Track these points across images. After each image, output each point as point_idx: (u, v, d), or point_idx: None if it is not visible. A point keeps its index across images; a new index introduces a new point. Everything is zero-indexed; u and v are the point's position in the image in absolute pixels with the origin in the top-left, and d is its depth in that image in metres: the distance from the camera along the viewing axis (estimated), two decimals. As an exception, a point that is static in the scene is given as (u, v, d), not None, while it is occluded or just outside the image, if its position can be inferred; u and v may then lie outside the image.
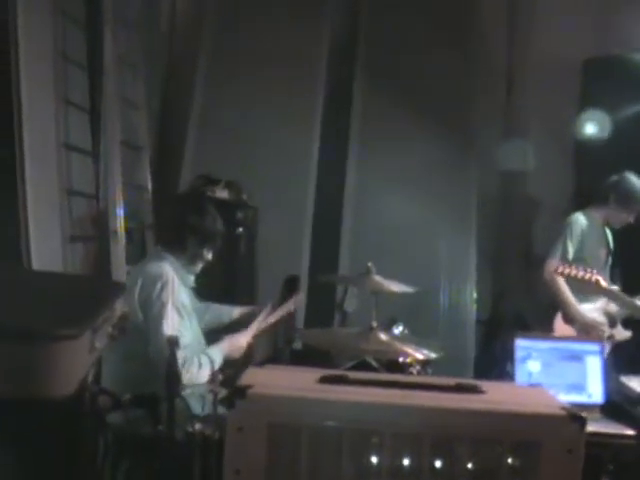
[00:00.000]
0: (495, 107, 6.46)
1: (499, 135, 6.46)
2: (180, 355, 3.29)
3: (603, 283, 3.88)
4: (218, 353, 3.50)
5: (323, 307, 5.52)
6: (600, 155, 6.03)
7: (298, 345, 4.25)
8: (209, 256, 3.61)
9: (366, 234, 5.73)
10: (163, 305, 3.32)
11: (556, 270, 3.95)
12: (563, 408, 1.94)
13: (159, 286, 3.36)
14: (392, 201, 5.61)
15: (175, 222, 3.58)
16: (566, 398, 3.38)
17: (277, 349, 4.23)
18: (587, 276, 3.86)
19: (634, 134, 5.81)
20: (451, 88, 6.01)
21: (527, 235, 6.67)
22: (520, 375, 3.46)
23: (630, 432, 3.16)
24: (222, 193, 5.01)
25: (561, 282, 4.93)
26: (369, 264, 3.52)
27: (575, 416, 1.90)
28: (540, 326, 5.89)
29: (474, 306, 5.87)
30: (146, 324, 3.33)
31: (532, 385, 2.35)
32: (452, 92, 6.01)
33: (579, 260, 4.79)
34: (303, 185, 5.80)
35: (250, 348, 3.69)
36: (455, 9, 6.19)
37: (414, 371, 3.64)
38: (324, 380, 2.08)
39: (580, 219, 5.05)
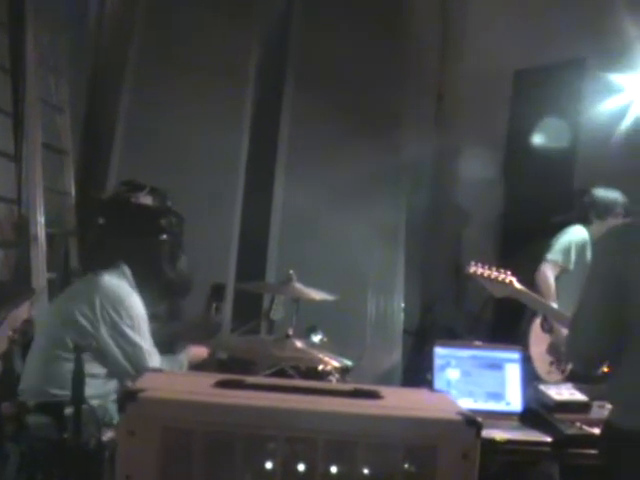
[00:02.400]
0: (426, 118, 6.52)
1: (430, 146, 6.50)
2: (156, 362, 3.29)
3: (517, 285, 3.81)
4: (185, 362, 3.54)
5: (250, 316, 5.49)
6: (530, 165, 6.12)
7: (223, 354, 4.23)
8: None
9: (294, 242, 5.71)
10: (132, 318, 3.31)
11: (468, 270, 3.88)
12: (459, 413, 1.94)
13: (125, 299, 3.33)
14: (321, 210, 5.60)
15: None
16: (485, 406, 3.46)
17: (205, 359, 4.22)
18: (501, 277, 3.77)
19: (562, 142, 5.92)
20: (382, 98, 6.04)
21: (457, 246, 6.73)
22: (439, 383, 3.48)
23: (547, 439, 3.18)
24: (146, 199, 4.94)
25: (553, 288, 5.06)
26: (290, 271, 3.54)
27: (470, 421, 1.90)
28: (469, 336, 5.97)
29: (401, 316, 5.89)
30: (114, 338, 3.28)
31: (433, 391, 2.34)
32: (383, 102, 6.04)
33: (575, 275, 5.04)
34: (231, 192, 5.77)
35: (210, 356, 3.78)
36: (388, 21, 6.22)
37: (333, 379, 3.66)
38: (220, 384, 2.05)
39: (585, 233, 5.25)
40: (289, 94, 6.03)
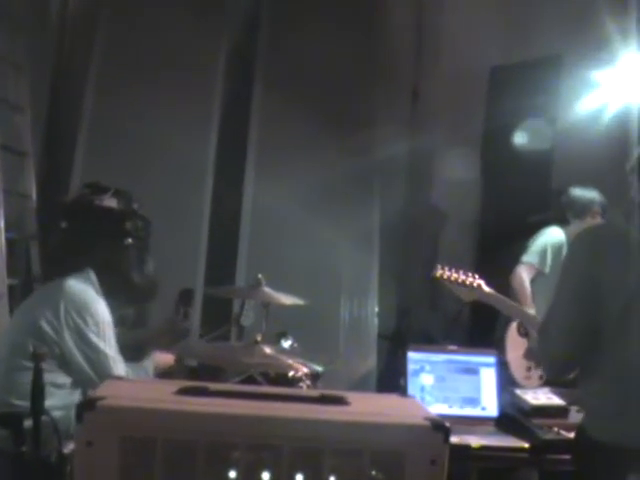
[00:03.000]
0: (400, 117, 6.54)
1: (404, 147, 6.53)
2: (121, 369, 3.28)
3: (486, 288, 3.77)
4: (151, 369, 3.53)
5: (220, 321, 5.49)
6: (507, 165, 6.16)
7: (192, 362, 4.23)
8: None
9: (265, 246, 5.72)
10: (97, 324, 3.28)
11: (435, 274, 3.86)
12: (427, 418, 1.96)
13: (90, 304, 3.31)
14: (292, 212, 5.60)
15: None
16: (460, 412, 3.48)
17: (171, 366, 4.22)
18: (469, 280, 3.74)
19: (539, 141, 5.96)
20: (355, 97, 6.06)
21: (433, 248, 6.76)
22: (412, 389, 3.50)
23: (524, 445, 3.20)
24: (110, 202, 4.93)
25: (528, 290, 5.10)
26: (259, 275, 3.54)
27: (438, 426, 1.92)
28: (446, 340, 6.00)
29: (376, 320, 5.91)
30: (79, 344, 3.27)
31: (402, 396, 2.36)
32: (356, 102, 6.06)
33: (550, 278, 5.07)
34: (199, 194, 5.78)
35: (177, 363, 3.75)
36: (361, 18, 6.24)
37: (304, 385, 3.66)
38: (182, 392, 2.05)
39: (561, 234, 5.31)
40: (258, 95, 6.04)
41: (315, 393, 2.11)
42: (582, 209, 5.25)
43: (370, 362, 5.81)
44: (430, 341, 6.20)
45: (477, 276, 3.79)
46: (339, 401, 2.04)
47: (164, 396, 2.02)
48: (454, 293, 3.83)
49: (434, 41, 6.58)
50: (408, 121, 6.59)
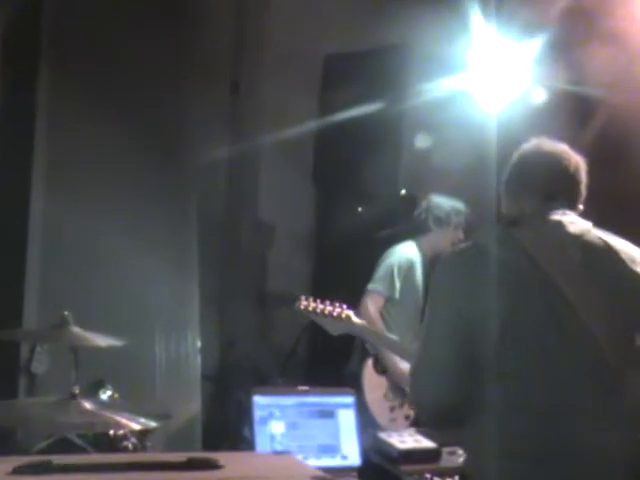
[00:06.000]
0: (218, 114, 6.52)
1: (224, 145, 6.54)
2: None
3: (355, 319, 3.93)
4: None
5: (4, 371, 5.32)
6: (345, 168, 6.27)
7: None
8: None
9: (59, 277, 5.53)
10: None
11: (298, 306, 3.97)
12: (315, 477, 1.98)
13: None
14: (93, 237, 5.44)
15: None
16: (317, 462, 3.48)
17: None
18: (336, 311, 3.89)
19: (373, 131, 6.12)
20: (162, 94, 5.94)
21: (260, 269, 6.79)
22: (261, 440, 3.47)
23: (392, 496, 3.29)
24: None
25: (378, 323, 5.20)
26: (65, 313, 3.46)
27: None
28: (281, 378, 6.05)
29: (198, 358, 5.87)
30: None
31: (277, 453, 2.37)
32: (164, 98, 5.95)
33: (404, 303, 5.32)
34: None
35: None
36: (170, 8, 6.14)
37: (129, 445, 3.64)
38: (19, 471, 1.98)
39: (412, 251, 5.51)
40: (44, 93, 5.80)
41: (180, 457, 2.08)
42: (446, 217, 5.48)
43: (194, 409, 5.75)
44: (261, 379, 6.23)
45: (345, 306, 3.93)
46: (210, 465, 2.03)
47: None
48: (322, 326, 3.95)
49: (257, 24, 6.60)
50: (228, 118, 6.58)
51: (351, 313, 3.93)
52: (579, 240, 2.78)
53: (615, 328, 2.70)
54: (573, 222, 2.83)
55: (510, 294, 2.66)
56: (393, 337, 4.59)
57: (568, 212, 2.86)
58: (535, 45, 5.37)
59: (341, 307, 3.92)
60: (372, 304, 5.38)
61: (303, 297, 3.98)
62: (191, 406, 5.73)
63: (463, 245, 3.03)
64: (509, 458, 2.63)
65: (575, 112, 5.37)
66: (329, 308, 3.91)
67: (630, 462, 2.64)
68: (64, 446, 3.47)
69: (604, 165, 3.04)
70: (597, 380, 2.66)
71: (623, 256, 2.79)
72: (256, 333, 6.50)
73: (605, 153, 3.02)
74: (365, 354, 5.37)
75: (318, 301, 3.95)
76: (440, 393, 2.77)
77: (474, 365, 2.68)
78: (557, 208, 2.86)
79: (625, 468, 2.64)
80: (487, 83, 5.61)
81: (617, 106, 5.17)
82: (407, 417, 5.19)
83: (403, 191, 6.27)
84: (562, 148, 2.98)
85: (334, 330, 3.96)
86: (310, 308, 3.94)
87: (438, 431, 3.52)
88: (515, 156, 3.01)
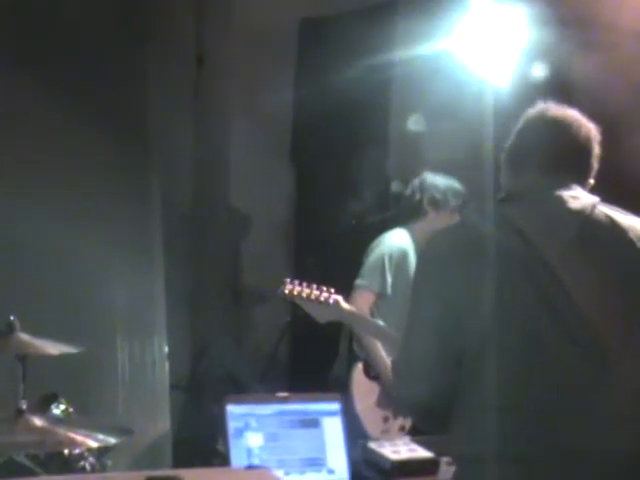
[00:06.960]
0: (181, 90, 6.49)
1: (189, 126, 6.48)
2: None
3: (345, 305, 3.99)
4: None
5: None
6: (327, 146, 6.25)
7: None
8: None
9: (4, 278, 5.45)
10: None
11: (283, 291, 4.02)
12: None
13: None
14: (41, 231, 5.37)
15: None
16: (301, 479, 3.46)
17: None
18: (323, 296, 3.94)
19: (357, 104, 6.08)
20: (119, 67, 5.88)
21: (233, 263, 6.76)
22: (236, 454, 3.43)
23: (384, 511, 3.27)
24: None
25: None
26: (12, 318, 3.46)
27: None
28: (260, 385, 6.00)
29: (166, 366, 5.83)
30: None
31: (251, 467, 2.32)
32: (120, 73, 5.89)
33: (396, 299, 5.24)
34: None
35: None
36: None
37: (87, 465, 3.65)
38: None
39: (403, 239, 5.43)
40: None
41: (138, 477, 2.03)
42: (443, 197, 5.39)
43: (162, 423, 5.71)
44: (238, 387, 6.20)
45: (333, 291, 3.98)
46: (174, 484, 1.97)
47: None
48: (309, 312, 4.04)
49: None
50: (192, 94, 6.54)
51: (340, 298, 4.00)
52: (579, 217, 2.73)
53: (614, 314, 2.67)
54: (576, 197, 2.77)
55: (499, 279, 2.63)
56: (387, 328, 4.56)
57: (574, 187, 2.79)
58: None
59: (329, 291, 3.99)
60: (361, 302, 5.28)
61: (288, 280, 4.05)
62: (159, 420, 5.70)
63: (451, 225, 3.01)
64: (504, 458, 2.59)
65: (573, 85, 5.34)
66: (316, 292, 3.98)
67: (629, 458, 2.61)
68: (11, 469, 3.44)
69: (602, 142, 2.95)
70: (593, 370, 2.63)
71: (631, 235, 2.74)
72: (231, 336, 6.48)
73: (603, 129, 2.95)
74: (353, 357, 5.31)
75: (304, 284, 4.03)
76: (423, 387, 2.76)
77: (461, 358, 2.67)
78: (562, 182, 2.81)
79: (624, 464, 2.61)
80: (482, 49, 5.55)
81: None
82: (402, 428, 5.14)
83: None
84: (571, 114, 2.92)
85: (321, 317, 4.04)
86: (295, 292, 4.02)
87: (426, 429, 3.46)
88: (520, 121, 2.94)
